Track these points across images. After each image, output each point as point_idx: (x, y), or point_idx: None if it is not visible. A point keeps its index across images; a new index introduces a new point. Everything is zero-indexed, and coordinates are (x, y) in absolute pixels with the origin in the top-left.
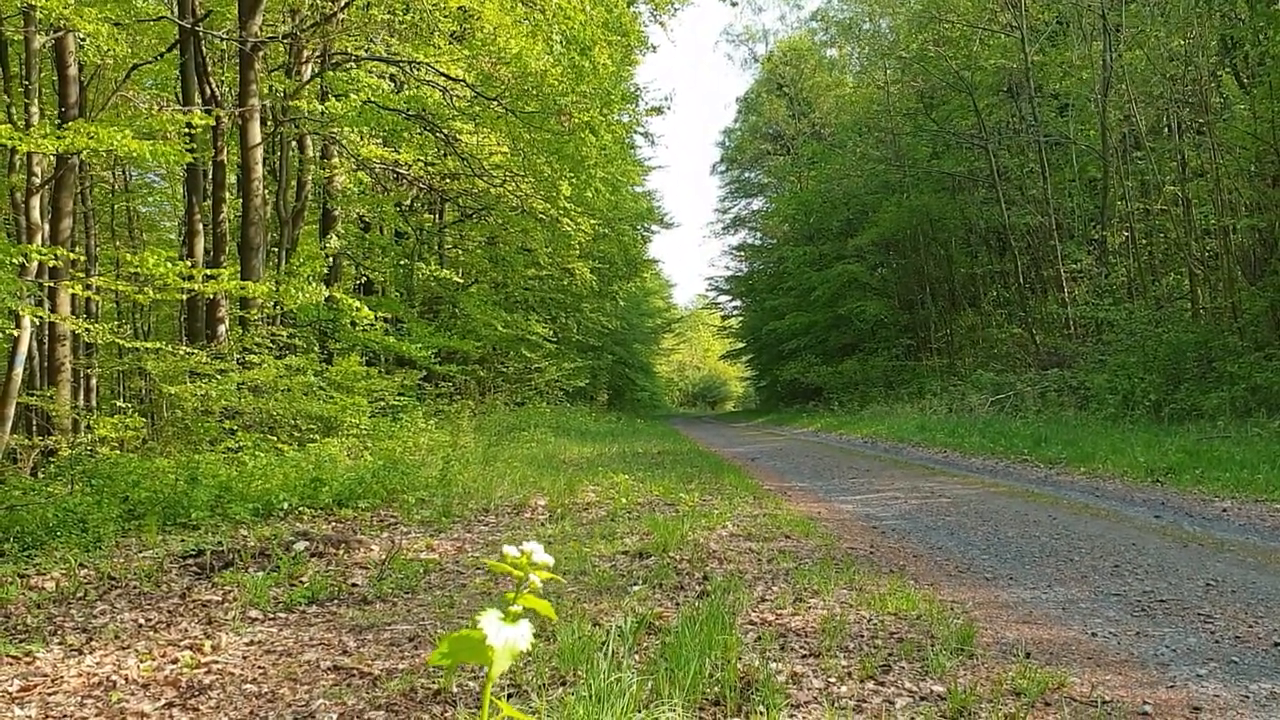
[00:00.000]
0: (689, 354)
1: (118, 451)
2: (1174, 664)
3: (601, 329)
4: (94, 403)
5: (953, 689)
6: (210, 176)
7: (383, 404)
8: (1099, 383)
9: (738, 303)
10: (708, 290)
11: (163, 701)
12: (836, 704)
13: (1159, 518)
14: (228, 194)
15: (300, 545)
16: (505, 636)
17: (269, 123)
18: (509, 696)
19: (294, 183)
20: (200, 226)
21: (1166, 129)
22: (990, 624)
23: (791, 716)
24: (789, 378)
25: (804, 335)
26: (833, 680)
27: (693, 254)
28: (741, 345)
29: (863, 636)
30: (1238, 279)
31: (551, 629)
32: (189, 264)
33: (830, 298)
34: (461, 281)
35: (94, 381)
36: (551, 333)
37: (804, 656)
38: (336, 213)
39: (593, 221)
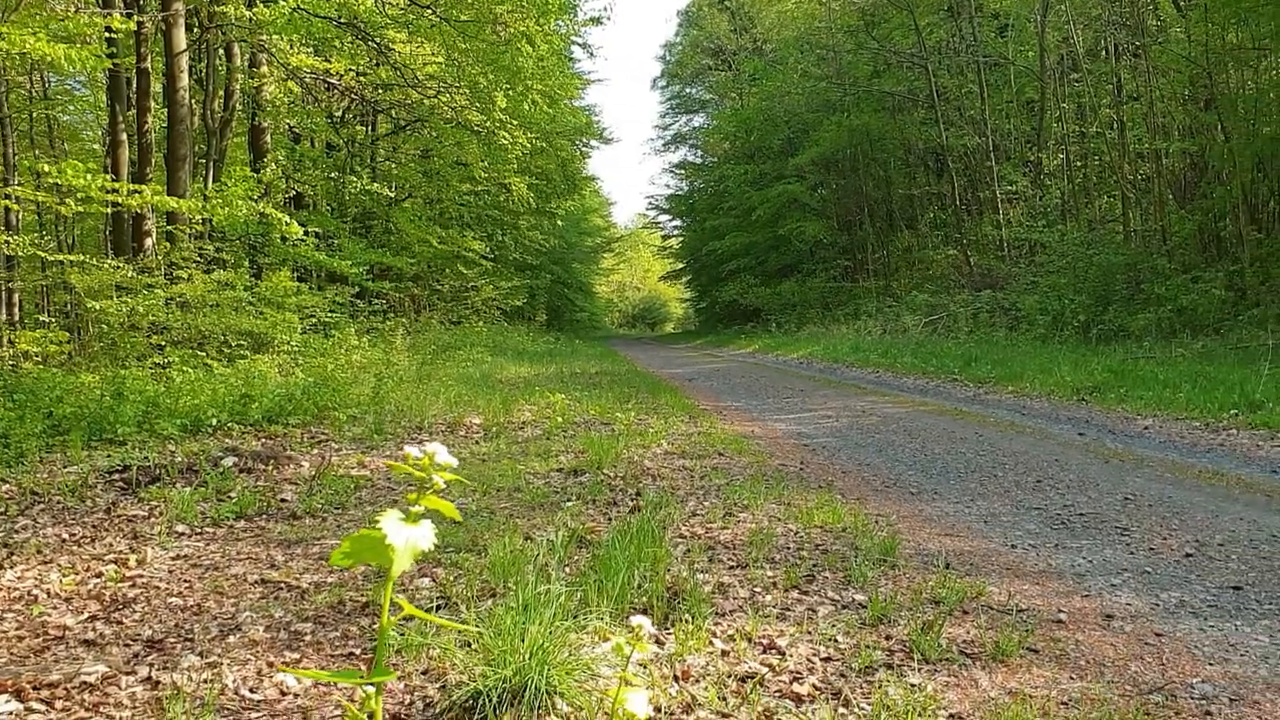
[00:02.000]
0: (629, 274)
1: (41, 366)
2: (1090, 575)
3: (539, 247)
4: (16, 317)
5: (874, 598)
6: (134, 85)
7: (314, 320)
8: (1030, 304)
9: (678, 222)
10: (648, 209)
11: (86, 615)
12: (761, 612)
13: (1082, 435)
14: (153, 103)
15: (229, 461)
16: (406, 536)
17: (195, 29)
18: (438, 608)
19: (221, 92)
20: (124, 137)
21: (1104, 52)
22: (913, 536)
23: (717, 624)
24: (728, 299)
25: (744, 256)
26: (758, 590)
27: (633, 171)
28: (681, 266)
29: (789, 549)
30: (1168, 202)
31: (483, 544)
32: (111, 177)
33: (770, 218)
34: (394, 196)
35: (16, 295)
36: (488, 250)
37: (731, 568)
38: (266, 125)
39: (530, 135)
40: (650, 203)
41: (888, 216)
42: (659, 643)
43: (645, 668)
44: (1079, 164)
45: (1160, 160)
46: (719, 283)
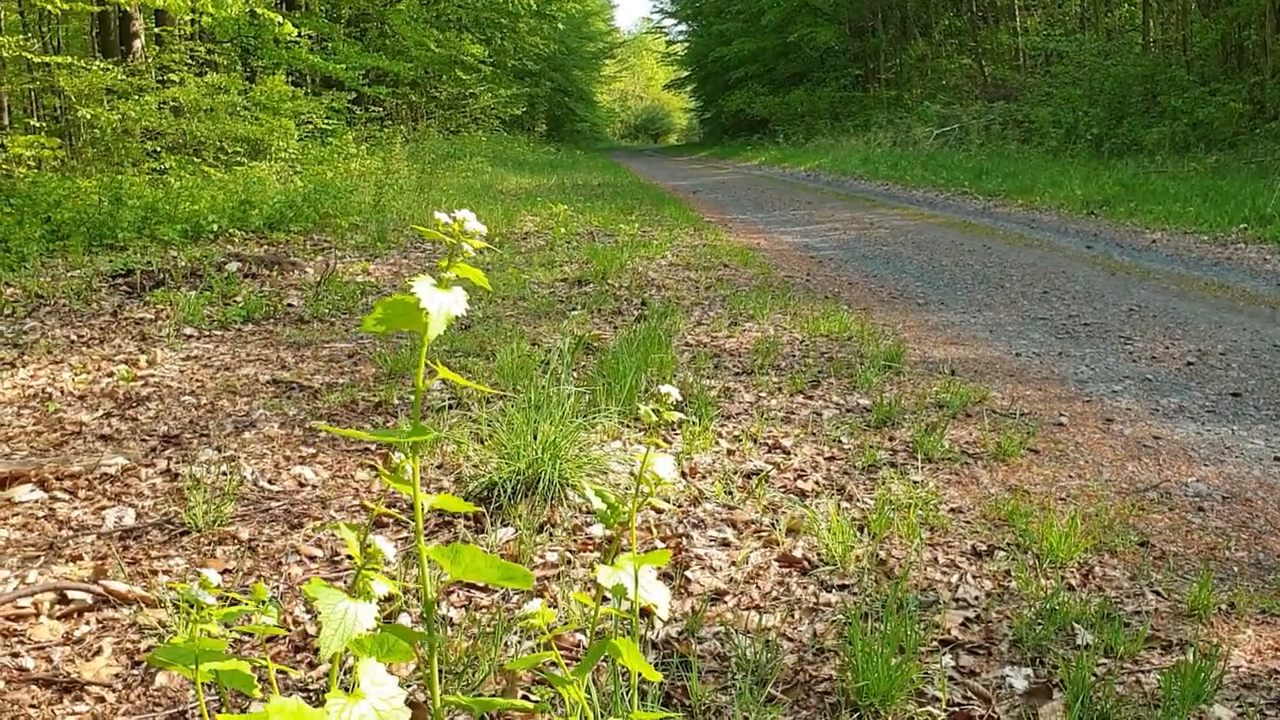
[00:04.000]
0: (631, 82)
1: (36, 171)
2: (1091, 381)
3: (539, 52)
4: (6, 121)
5: (878, 402)
6: None
7: (311, 127)
8: (1043, 116)
9: (684, 27)
10: (652, 12)
11: (101, 412)
12: (766, 415)
13: (1090, 248)
14: None
15: (233, 266)
16: (439, 301)
17: None
18: (450, 408)
19: None
20: None
21: None
22: (919, 345)
23: (723, 426)
24: (734, 109)
25: (751, 63)
26: (763, 395)
27: None
28: (686, 74)
29: (795, 356)
30: (1191, 10)
31: (491, 349)
32: None
33: (780, 22)
34: None
35: (4, 99)
36: (487, 55)
37: (737, 374)
38: None
39: None
40: (655, 5)
41: (901, 23)
42: (667, 441)
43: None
44: None
45: None
46: (725, 91)
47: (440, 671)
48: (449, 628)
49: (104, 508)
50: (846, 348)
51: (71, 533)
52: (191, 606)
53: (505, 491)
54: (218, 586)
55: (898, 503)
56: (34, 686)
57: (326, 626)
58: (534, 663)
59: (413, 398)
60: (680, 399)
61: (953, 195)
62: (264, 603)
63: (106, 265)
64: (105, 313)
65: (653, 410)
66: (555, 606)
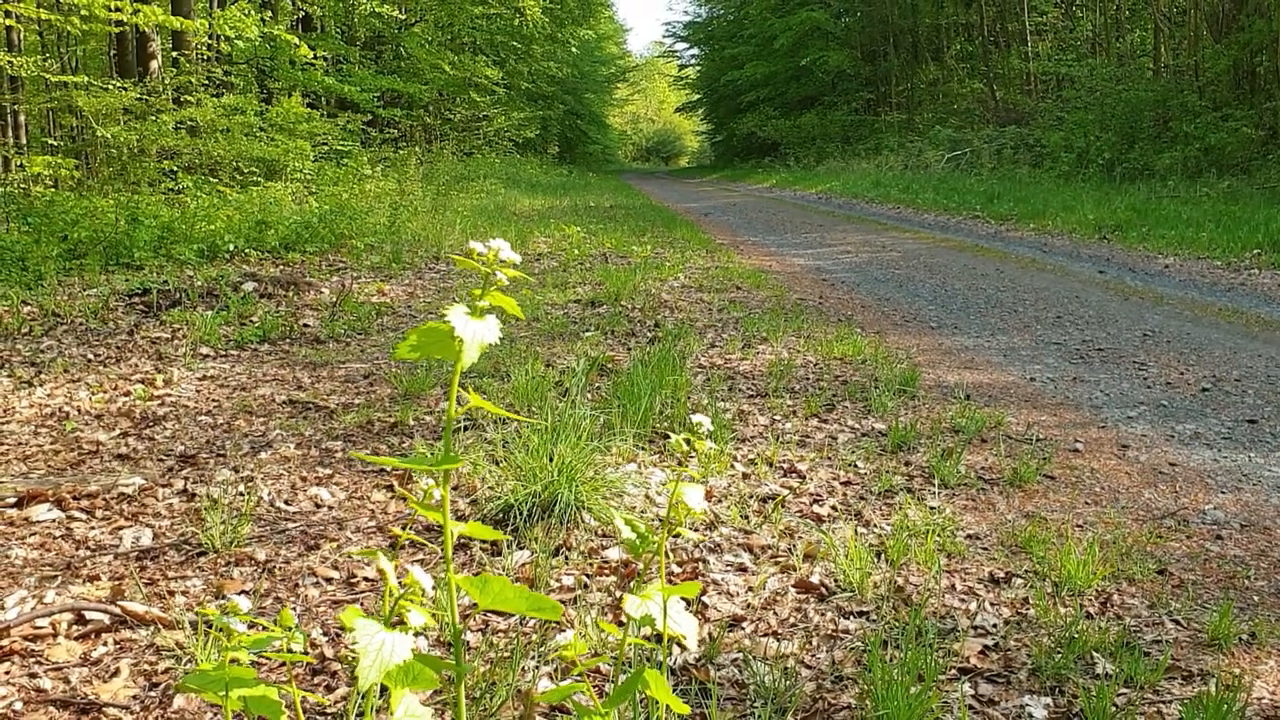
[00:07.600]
0: (643, 105)
1: (53, 190)
2: (1106, 407)
3: (552, 77)
4: (24, 140)
5: (894, 426)
6: None
7: (326, 148)
8: (1055, 140)
9: (696, 51)
10: (665, 36)
11: (118, 431)
12: (781, 438)
13: (1103, 272)
14: None
15: (249, 286)
16: (473, 330)
17: None
18: (465, 429)
19: None
20: None
21: None
22: (933, 369)
23: (738, 449)
24: (745, 131)
25: (763, 87)
26: (778, 418)
27: None
28: (698, 97)
29: (809, 379)
30: (1203, 36)
31: (506, 370)
32: None
33: (791, 46)
34: (404, 19)
35: (22, 118)
36: (500, 77)
37: (751, 397)
38: None
39: None
40: (667, 30)
41: (913, 47)
42: (681, 465)
43: (666, 487)
44: None
45: None
46: (737, 115)
47: None
48: (467, 651)
49: (121, 527)
50: (860, 371)
51: (89, 552)
52: (211, 628)
53: (521, 514)
54: (247, 613)
55: (915, 529)
56: (52, 708)
57: (364, 658)
58: (565, 695)
59: (428, 418)
60: (710, 428)
61: (964, 219)
62: (291, 629)
63: (123, 284)
64: (122, 332)
65: (684, 439)
66: (569, 629)
